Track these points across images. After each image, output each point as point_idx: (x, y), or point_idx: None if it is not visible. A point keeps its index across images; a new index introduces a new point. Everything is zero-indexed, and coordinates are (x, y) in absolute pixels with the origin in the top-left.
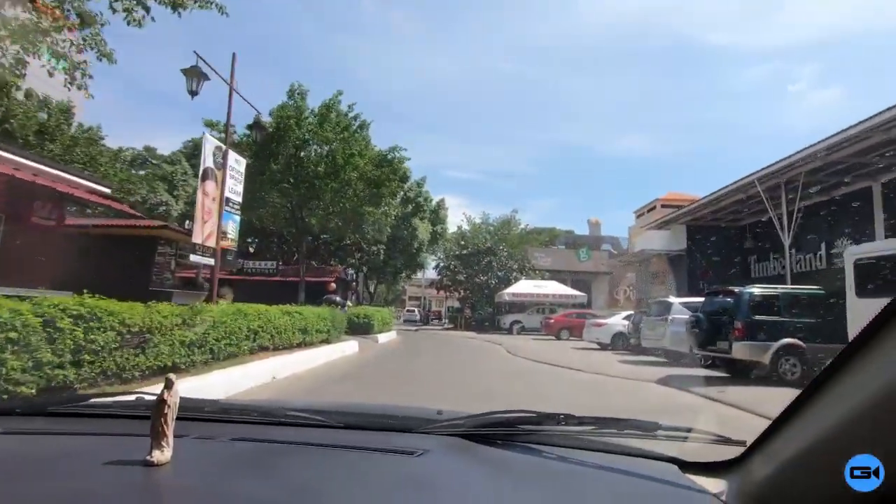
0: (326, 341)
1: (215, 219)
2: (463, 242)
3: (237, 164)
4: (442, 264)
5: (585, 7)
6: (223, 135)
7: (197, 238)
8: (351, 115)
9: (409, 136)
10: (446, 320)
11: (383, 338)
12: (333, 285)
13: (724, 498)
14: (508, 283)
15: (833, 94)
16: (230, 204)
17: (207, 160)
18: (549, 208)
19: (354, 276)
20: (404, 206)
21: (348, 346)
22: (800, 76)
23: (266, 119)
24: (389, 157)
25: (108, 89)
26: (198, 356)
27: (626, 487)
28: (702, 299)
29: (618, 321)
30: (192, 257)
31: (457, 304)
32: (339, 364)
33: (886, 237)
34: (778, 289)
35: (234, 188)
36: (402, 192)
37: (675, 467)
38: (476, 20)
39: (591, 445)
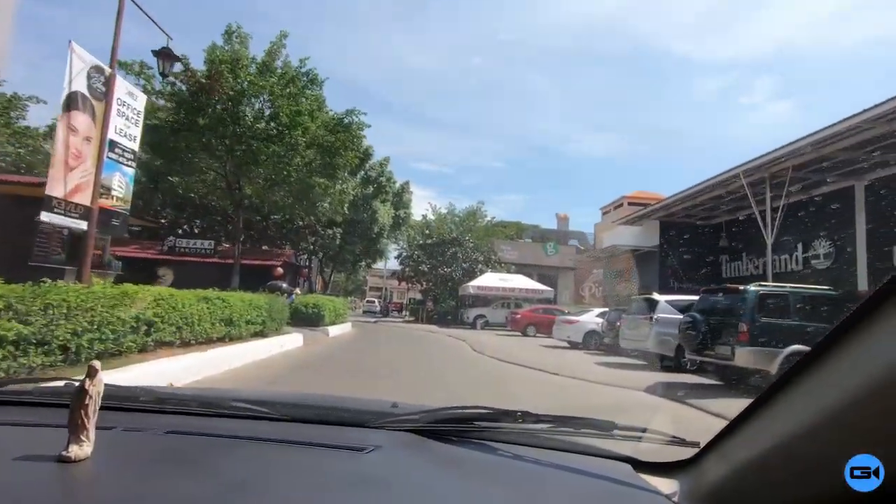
0: (261, 334)
1: (90, 167)
2: (427, 232)
3: (132, 99)
4: (405, 254)
5: (553, 6)
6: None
7: (54, 189)
8: (303, 69)
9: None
10: (407, 313)
11: (335, 330)
12: (280, 270)
13: (675, 498)
14: (473, 276)
15: (785, 106)
16: (118, 150)
17: (78, 83)
18: (516, 204)
19: (308, 261)
20: (364, 187)
21: (290, 341)
22: (754, 89)
23: (200, 69)
24: (346, 121)
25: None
26: (34, 358)
27: (579, 486)
28: (688, 298)
29: (590, 319)
30: (44, 216)
31: (419, 297)
32: (273, 363)
33: (868, 239)
34: (787, 287)
35: (127, 130)
36: (363, 172)
37: (629, 467)
38: (446, 11)
39: (547, 444)
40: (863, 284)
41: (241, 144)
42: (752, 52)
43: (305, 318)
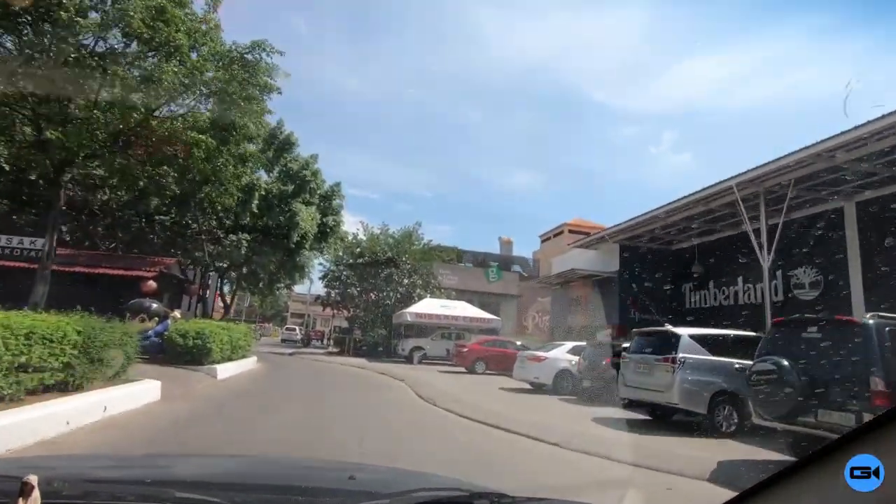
0: (66, 388)
1: None
2: (359, 250)
3: None
4: (330, 274)
5: (485, 47)
6: None
7: None
8: None
9: (309, 144)
10: (331, 342)
11: (229, 370)
12: (152, 284)
13: None
14: (410, 302)
15: (685, 158)
16: None
17: None
18: (444, 234)
19: (201, 276)
20: (283, 182)
21: (129, 395)
22: (661, 140)
23: None
24: (248, 55)
25: None
26: None
27: None
28: (713, 331)
29: (561, 355)
30: None
31: (345, 325)
32: (72, 442)
33: (862, 263)
34: None
35: None
36: (281, 164)
37: None
38: (386, 42)
39: None
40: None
41: (58, 54)
42: (662, 106)
43: (184, 354)
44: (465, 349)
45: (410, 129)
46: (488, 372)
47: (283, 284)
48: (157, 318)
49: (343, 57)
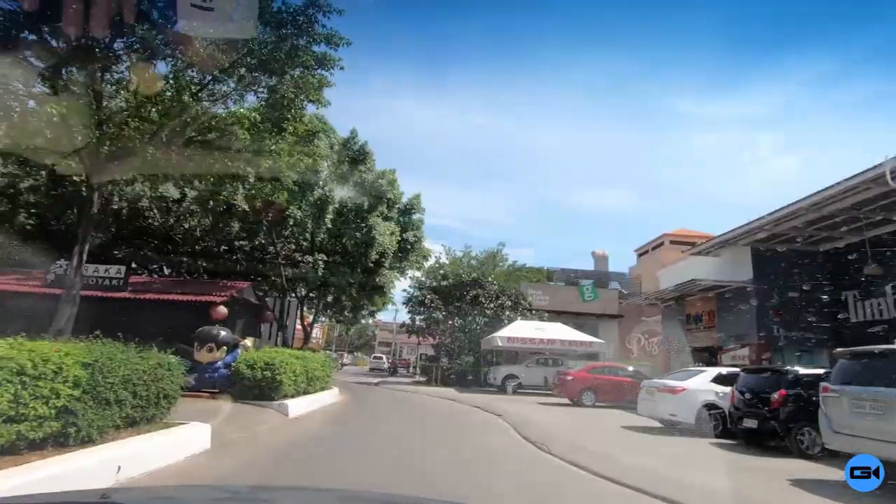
0: (71, 440)
1: None
2: (442, 272)
3: None
4: (414, 299)
5: (563, 66)
6: None
7: None
8: None
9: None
10: (418, 371)
11: (303, 405)
12: (223, 310)
13: None
14: (498, 326)
15: (790, 161)
16: None
17: None
18: (527, 257)
19: (279, 303)
20: (358, 194)
21: (167, 447)
22: (757, 144)
23: None
24: (300, 17)
25: None
26: None
27: None
28: None
29: (703, 384)
30: None
31: (431, 352)
32: None
33: None
34: None
35: None
36: (356, 176)
37: None
38: (459, 75)
39: None
40: None
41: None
42: (754, 109)
43: (252, 388)
44: (570, 377)
45: (487, 154)
46: (599, 404)
47: (367, 312)
48: (225, 348)
49: (413, 89)
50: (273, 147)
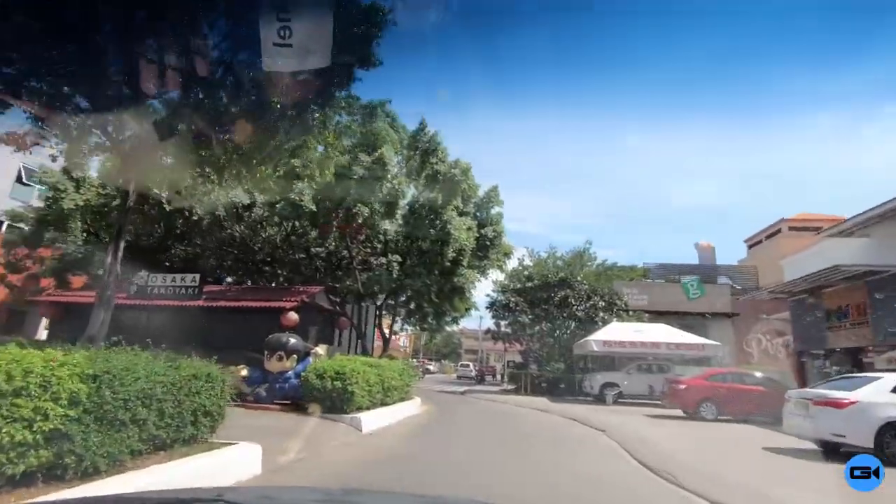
0: (69, 472)
1: None
2: (527, 273)
3: None
4: (498, 302)
5: (650, 53)
6: None
7: None
8: None
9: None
10: (505, 379)
11: (380, 418)
12: (293, 317)
13: None
14: (591, 328)
15: None
16: None
17: None
18: (617, 258)
19: (355, 309)
20: (430, 184)
21: (206, 473)
22: (884, 114)
23: None
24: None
25: None
26: None
27: None
28: None
29: (882, 396)
30: None
31: (518, 359)
32: None
33: None
34: None
35: None
36: (427, 168)
37: None
38: (530, 77)
39: None
40: None
41: None
42: (876, 77)
43: (323, 399)
44: (683, 386)
45: (567, 156)
46: (722, 418)
47: (450, 318)
48: (295, 356)
49: (484, 94)
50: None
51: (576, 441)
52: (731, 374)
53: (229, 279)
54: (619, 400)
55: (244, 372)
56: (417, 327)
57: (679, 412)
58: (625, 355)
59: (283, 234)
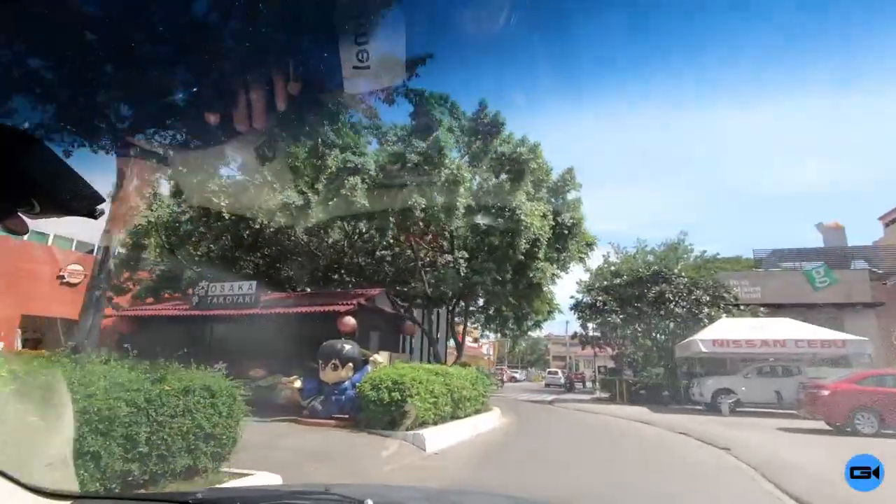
0: None
1: None
2: (613, 268)
3: None
4: (583, 300)
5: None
6: None
7: None
8: None
9: None
10: (597, 386)
11: (448, 435)
12: (350, 322)
13: None
14: (695, 327)
15: None
16: None
17: None
18: (714, 251)
19: (426, 312)
20: (495, 169)
21: None
22: None
23: None
24: None
25: None
26: None
27: None
28: None
29: None
30: None
31: (610, 364)
32: None
33: None
34: None
35: None
36: (492, 151)
37: None
38: (617, 69)
39: None
40: None
41: None
42: None
43: (379, 413)
44: (828, 392)
45: (656, 147)
46: (886, 431)
47: (532, 322)
48: (351, 365)
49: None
50: None
51: (696, 464)
52: (892, 377)
53: (298, 289)
54: (737, 409)
55: (298, 383)
56: (498, 333)
57: (821, 424)
58: (739, 356)
59: (347, 237)
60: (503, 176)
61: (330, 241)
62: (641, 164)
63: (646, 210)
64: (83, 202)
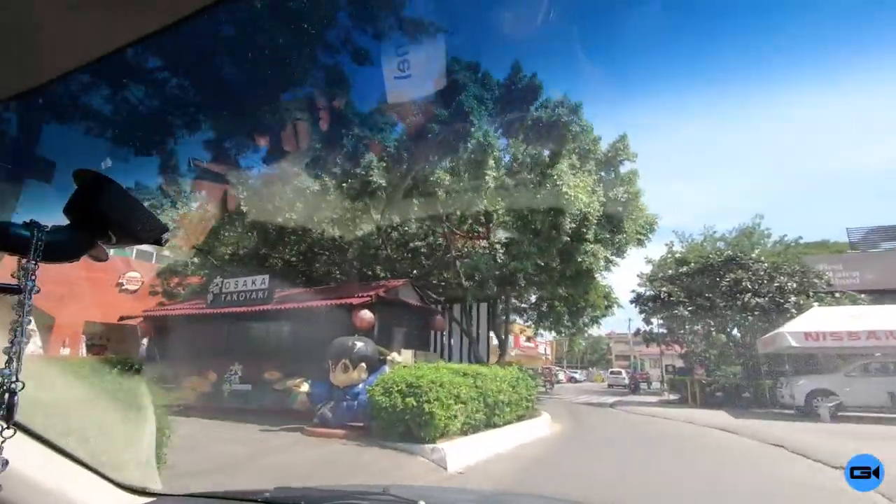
0: None
1: None
2: (679, 255)
3: None
4: (645, 293)
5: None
6: None
7: None
8: None
9: None
10: (665, 387)
11: (477, 449)
12: (367, 316)
13: None
14: (780, 319)
15: None
16: None
17: None
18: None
19: (466, 306)
20: (531, 138)
21: None
22: None
23: None
24: None
25: None
26: None
27: None
28: None
29: None
30: None
31: (679, 363)
32: None
33: None
34: None
35: None
36: (528, 120)
37: None
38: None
39: None
40: None
41: None
42: None
43: (393, 422)
44: None
45: (721, 135)
46: None
47: (588, 318)
48: (364, 365)
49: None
50: None
51: (814, 496)
52: None
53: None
54: (839, 414)
55: (304, 387)
56: (553, 331)
57: None
58: (836, 351)
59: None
60: (541, 144)
61: (360, 232)
62: (708, 156)
63: (713, 202)
64: (151, 232)
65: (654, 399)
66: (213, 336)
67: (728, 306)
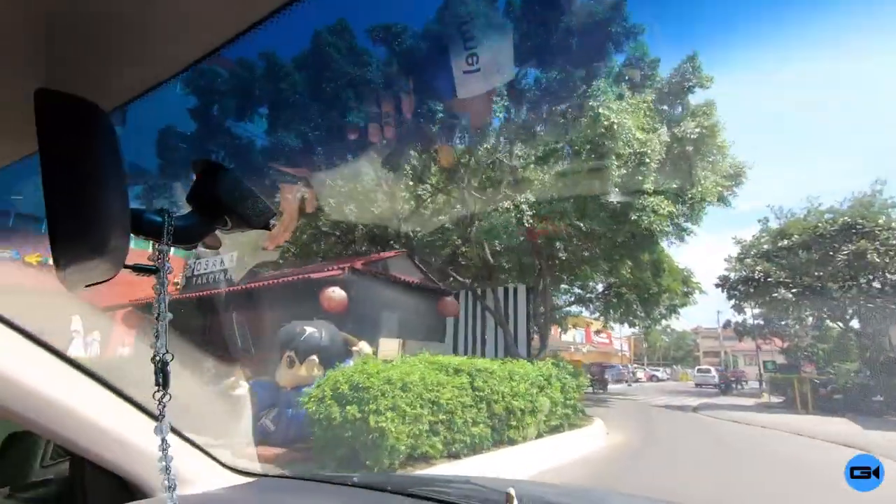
0: None
1: None
2: (780, 227)
3: None
4: (736, 276)
5: None
6: None
7: None
8: None
9: None
10: (764, 388)
11: (489, 474)
12: (336, 294)
13: None
14: None
15: None
16: None
17: None
18: None
19: (500, 289)
20: (560, 46)
21: None
22: None
23: None
24: None
25: None
26: None
27: None
28: None
29: None
30: None
31: (780, 359)
32: None
33: None
34: None
35: None
36: (556, 22)
37: None
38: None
39: None
40: None
41: None
42: None
43: (331, 443)
44: None
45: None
46: None
47: (665, 308)
48: (315, 359)
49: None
50: None
51: None
52: None
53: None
54: None
55: (240, 389)
56: (622, 323)
57: None
58: None
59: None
60: (572, 61)
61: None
62: (810, 133)
63: (813, 183)
64: (262, 217)
65: (750, 402)
66: (184, 323)
67: (845, 288)
